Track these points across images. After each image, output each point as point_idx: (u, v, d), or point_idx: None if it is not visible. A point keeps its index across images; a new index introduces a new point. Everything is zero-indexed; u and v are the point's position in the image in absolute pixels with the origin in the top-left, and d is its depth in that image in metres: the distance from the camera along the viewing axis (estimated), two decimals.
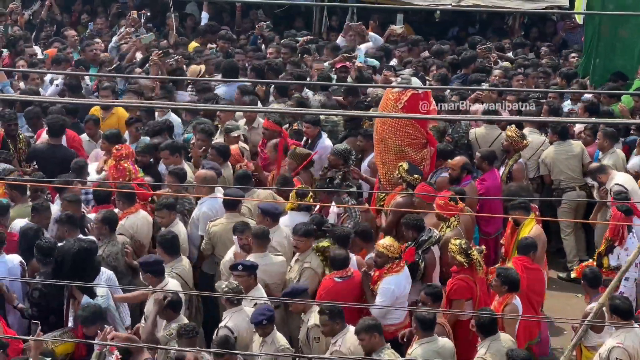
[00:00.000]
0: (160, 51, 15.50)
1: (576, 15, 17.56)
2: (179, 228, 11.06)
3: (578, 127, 13.87)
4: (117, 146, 11.88)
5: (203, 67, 15.58)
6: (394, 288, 9.92)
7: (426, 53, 17.34)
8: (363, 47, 17.53)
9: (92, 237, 10.43)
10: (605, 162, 12.86)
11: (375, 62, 16.00)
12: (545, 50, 17.90)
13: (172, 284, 9.92)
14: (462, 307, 10.28)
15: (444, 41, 18.53)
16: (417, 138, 11.88)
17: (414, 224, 10.67)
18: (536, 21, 20.15)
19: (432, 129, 12.44)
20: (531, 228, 11.16)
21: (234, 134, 12.95)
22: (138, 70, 15.70)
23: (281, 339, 9.38)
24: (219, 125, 13.56)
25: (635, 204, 11.54)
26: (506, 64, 16.72)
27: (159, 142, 12.64)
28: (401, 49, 17.36)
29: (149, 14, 18.74)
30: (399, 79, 12.48)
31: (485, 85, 14.63)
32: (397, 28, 18.63)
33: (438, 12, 18.94)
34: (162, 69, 15.12)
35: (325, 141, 13.07)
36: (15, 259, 10.16)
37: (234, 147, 12.66)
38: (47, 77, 15.41)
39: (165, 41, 17.94)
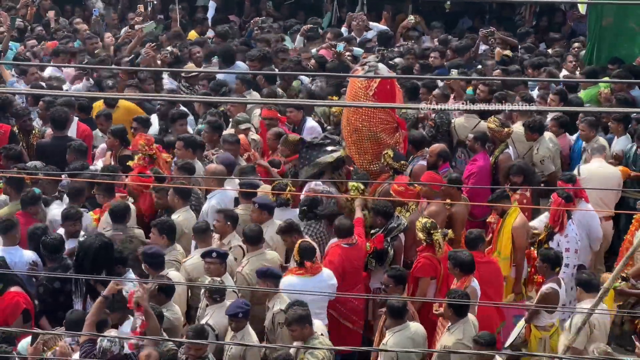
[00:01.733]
0: (154, 44, 15.92)
1: (579, 6, 17.73)
2: (188, 215, 11.41)
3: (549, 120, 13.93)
4: (141, 141, 12.15)
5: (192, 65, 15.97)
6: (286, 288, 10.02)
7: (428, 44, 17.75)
8: (370, 35, 17.92)
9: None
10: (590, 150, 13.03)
11: (360, 52, 16.39)
12: (557, 47, 18.08)
13: (172, 275, 10.20)
14: (427, 285, 10.64)
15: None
16: (389, 123, 12.27)
17: (383, 210, 11.03)
18: (546, 11, 20.39)
19: (402, 116, 12.84)
20: (515, 217, 11.43)
21: (243, 126, 13.29)
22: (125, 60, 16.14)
23: (253, 336, 9.55)
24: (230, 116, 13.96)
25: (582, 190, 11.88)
26: (508, 52, 16.98)
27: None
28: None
29: (155, 2, 19.06)
30: (366, 67, 12.74)
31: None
32: (411, 18, 18.99)
33: (448, 2, 19.18)
34: (154, 61, 15.53)
35: (309, 123, 13.50)
36: (30, 257, 10.45)
37: (242, 137, 12.98)
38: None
39: (164, 34, 18.38)
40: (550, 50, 17.70)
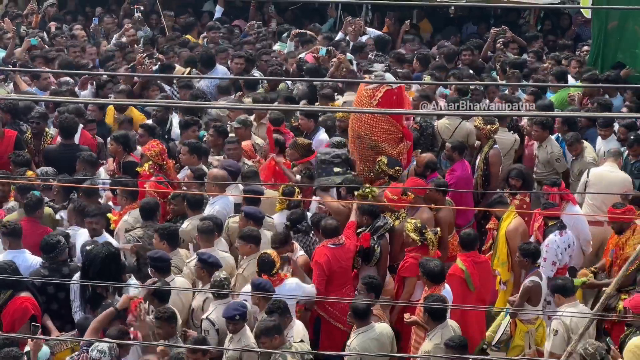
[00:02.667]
0: (144, 54, 16.17)
1: (583, 10, 17.82)
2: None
3: (526, 121, 14.11)
4: (149, 147, 12.38)
5: (188, 69, 16.15)
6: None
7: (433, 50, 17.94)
8: (364, 38, 18.18)
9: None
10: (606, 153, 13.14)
11: (349, 57, 16.54)
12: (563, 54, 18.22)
13: (178, 281, 10.33)
14: (413, 285, 10.82)
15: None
16: (392, 133, 12.35)
17: (370, 210, 11.21)
18: (551, 15, 20.52)
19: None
20: (510, 221, 11.54)
21: (236, 125, 13.44)
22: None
23: (250, 337, 9.54)
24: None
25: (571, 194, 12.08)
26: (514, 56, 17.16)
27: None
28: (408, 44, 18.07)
29: (142, 8, 19.31)
30: (372, 76, 12.87)
31: None
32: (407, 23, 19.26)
33: (453, 7, 19.33)
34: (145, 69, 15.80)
35: (321, 135, 13.62)
36: (35, 262, 10.57)
37: (246, 143, 13.17)
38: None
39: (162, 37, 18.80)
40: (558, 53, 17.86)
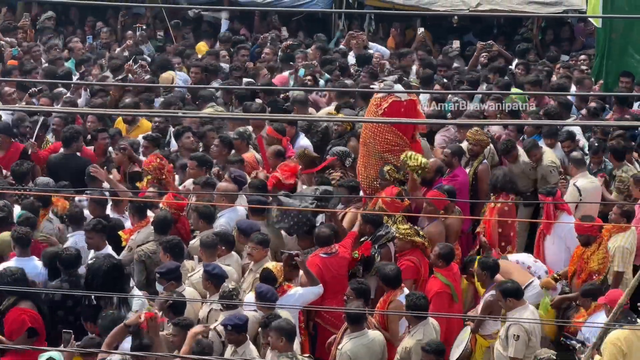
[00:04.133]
0: (129, 62, 16.29)
1: (592, 19, 17.85)
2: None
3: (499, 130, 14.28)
4: (148, 161, 12.43)
5: (174, 74, 16.22)
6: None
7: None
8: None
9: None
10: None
11: (326, 76, 16.56)
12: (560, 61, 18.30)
13: (187, 291, 10.42)
14: (408, 288, 10.70)
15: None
16: (397, 145, 12.28)
17: (372, 219, 11.28)
18: (553, 25, 20.55)
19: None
20: None
21: (234, 136, 13.47)
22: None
23: (253, 350, 9.58)
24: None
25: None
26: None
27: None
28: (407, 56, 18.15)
29: (144, 27, 19.47)
30: (382, 85, 12.88)
31: None
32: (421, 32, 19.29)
33: (456, 17, 19.40)
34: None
35: (302, 140, 13.76)
36: (44, 270, 10.65)
37: (249, 155, 13.20)
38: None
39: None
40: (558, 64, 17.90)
